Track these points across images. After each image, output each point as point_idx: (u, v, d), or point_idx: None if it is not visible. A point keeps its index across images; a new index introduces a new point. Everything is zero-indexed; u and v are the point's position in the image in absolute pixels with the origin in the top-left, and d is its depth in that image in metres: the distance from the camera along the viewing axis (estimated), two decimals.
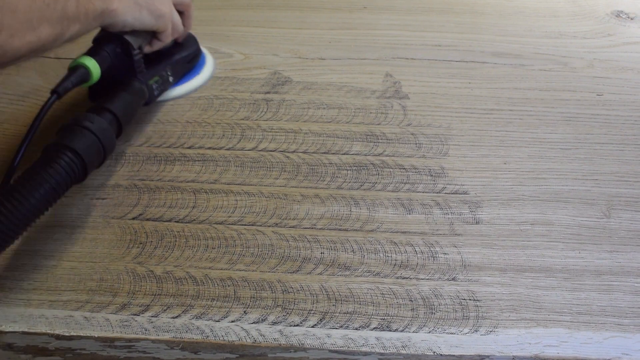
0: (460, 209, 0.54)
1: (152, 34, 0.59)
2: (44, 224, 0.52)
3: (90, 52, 0.55)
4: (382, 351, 0.44)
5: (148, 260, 0.50)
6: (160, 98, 0.64)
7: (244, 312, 0.46)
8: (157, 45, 0.60)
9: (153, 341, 0.45)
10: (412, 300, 0.47)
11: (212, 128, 0.62)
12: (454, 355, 0.44)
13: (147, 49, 0.59)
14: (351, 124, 0.62)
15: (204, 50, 0.71)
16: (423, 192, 0.56)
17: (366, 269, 0.50)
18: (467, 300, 0.48)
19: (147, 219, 0.53)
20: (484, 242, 0.52)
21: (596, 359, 0.44)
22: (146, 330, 0.45)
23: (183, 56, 0.66)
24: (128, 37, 0.56)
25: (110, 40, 0.55)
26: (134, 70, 0.58)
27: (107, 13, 0.50)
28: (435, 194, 0.55)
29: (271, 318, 0.46)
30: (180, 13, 0.61)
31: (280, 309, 0.47)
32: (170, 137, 0.60)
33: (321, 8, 0.79)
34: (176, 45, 0.65)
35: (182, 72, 0.67)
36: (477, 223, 0.53)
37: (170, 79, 0.64)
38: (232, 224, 0.53)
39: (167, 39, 0.60)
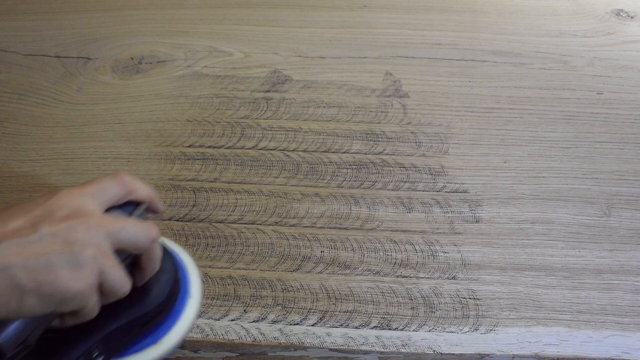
0: (460, 207, 0.54)
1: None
2: None
3: None
4: (382, 350, 0.45)
5: None
6: None
7: (244, 310, 0.47)
8: (72, 321, 0.35)
9: None
10: (412, 299, 0.47)
11: (212, 127, 0.61)
12: (454, 354, 0.44)
13: (56, 324, 0.35)
14: (351, 123, 0.62)
15: (187, 268, 0.45)
16: (423, 191, 0.56)
17: (366, 267, 0.50)
18: (467, 299, 0.48)
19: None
20: (484, 241, 0.52)
21: (596, 358, 0.45)
22: None
23: (132, 319, 0.39)
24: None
25: None
26: None
27: None
28: (435, 193, 0.55)
29: (271, 317, 0.46)
30: (136, 256, 0.38)
31: (280, 307, 0.47)
32: (170, 136, 0.60)
33: (321, 6, 0.79)
34: (131, 295, 0.37)
35: (130, 340, 0.40)
36: (477, 222, 0.53)
37: None
38: (232, 223, 0.53)
39: (89, 315, 0.35)
